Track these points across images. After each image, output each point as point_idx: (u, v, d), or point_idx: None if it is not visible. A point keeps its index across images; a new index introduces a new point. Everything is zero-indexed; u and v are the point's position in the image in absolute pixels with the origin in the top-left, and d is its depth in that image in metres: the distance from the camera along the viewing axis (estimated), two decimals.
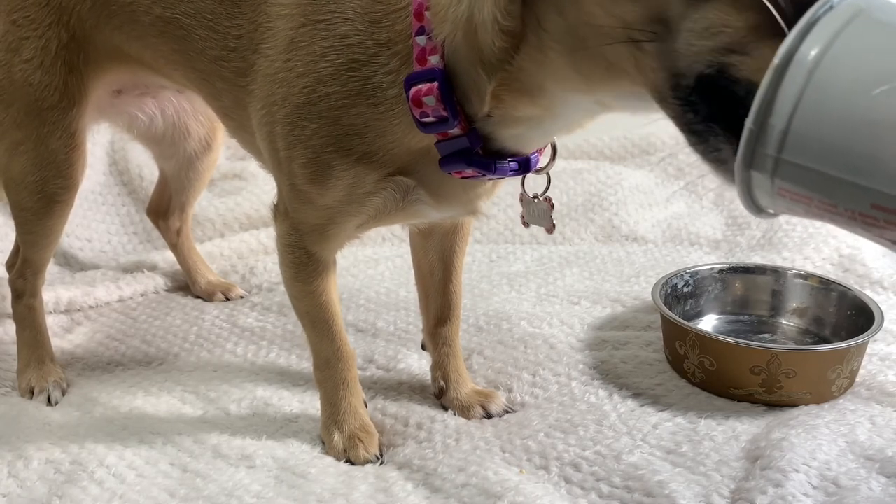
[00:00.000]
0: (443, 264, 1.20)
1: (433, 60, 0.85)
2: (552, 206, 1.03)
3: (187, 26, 1.07)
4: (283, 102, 0.95)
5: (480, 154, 0.90)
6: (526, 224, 1.07)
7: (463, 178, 0.93)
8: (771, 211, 0.65)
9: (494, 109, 0.85)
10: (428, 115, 0.86)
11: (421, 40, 0.85)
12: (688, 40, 0.66)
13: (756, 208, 0.64)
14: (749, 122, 0.59)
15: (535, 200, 1.03)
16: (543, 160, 0.99)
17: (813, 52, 0.57)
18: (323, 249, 1.05)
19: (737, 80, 0.64)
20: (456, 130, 0.87)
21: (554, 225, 1.04)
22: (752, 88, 0.61)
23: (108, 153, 2.00)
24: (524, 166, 0.94)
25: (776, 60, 0.58)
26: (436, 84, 0.84)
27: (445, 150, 0.89)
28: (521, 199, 1.04)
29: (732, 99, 0.64)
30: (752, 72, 0.63)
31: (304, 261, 1.06)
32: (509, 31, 0.79)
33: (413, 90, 0.86)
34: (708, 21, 0.65)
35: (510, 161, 0.92)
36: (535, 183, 1.03)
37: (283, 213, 1.05)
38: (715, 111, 0.66)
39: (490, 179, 0.97)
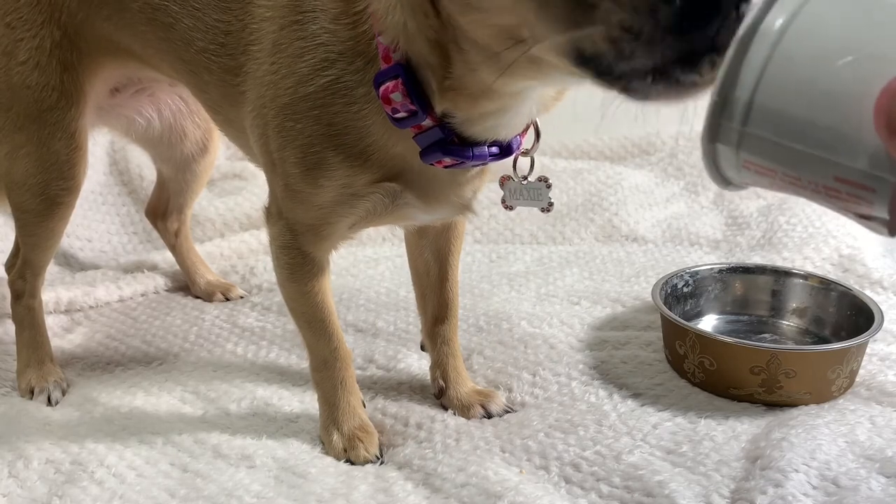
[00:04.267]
0: (438, 263, 1.21)
1: (396, 57, 0.87)
2: (549, 186, 1.03)
3: (175, 14, 1.07)
4: (272, 104, 0.97)
5: (456, 142, 0.90)
6: (509, 207, 1.07)
7: (445, 167, 0.94)
8: (737, 183, 0.64)
9: (455, 111, 0.87)
10: (399, 111, 0.88)
11: (383, 39, 0.87)
12: (542, 40, 0.68)
13: (723, 181, 0.64)
14: (714, 94, 0.59)
15: (525, 182, 1.04)
16: (527, 143, 0.99)
17: (777, 23, 0.56)
18: (317, 249, 1.05)
19: (591, 57, 0.65)
20: (428, 122, 0.88)
21: (552, 203, 1.04)
22: (601, 59, 0.63)
23: (109, 153, 2.00)
24: (505, 150, 0.94)
25: (741, 31, 0.57)
26: (400, 80, 0.86)
27: (423, 141, 0.90)
28: (502, 183, 1.05)
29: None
30: (593, 47, 0.64)
31: (299, 262, 1.06)
32: (435, 43, 0.82)
33: (382, 88, 0.87)
34: (542, 27, 0.67)
35: (490, 146, 0.92)
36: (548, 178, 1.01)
37: (276, 214, 1.06)
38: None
39: (473, 166, 0.97)
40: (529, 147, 1.00)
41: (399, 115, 0.88)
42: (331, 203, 0.98)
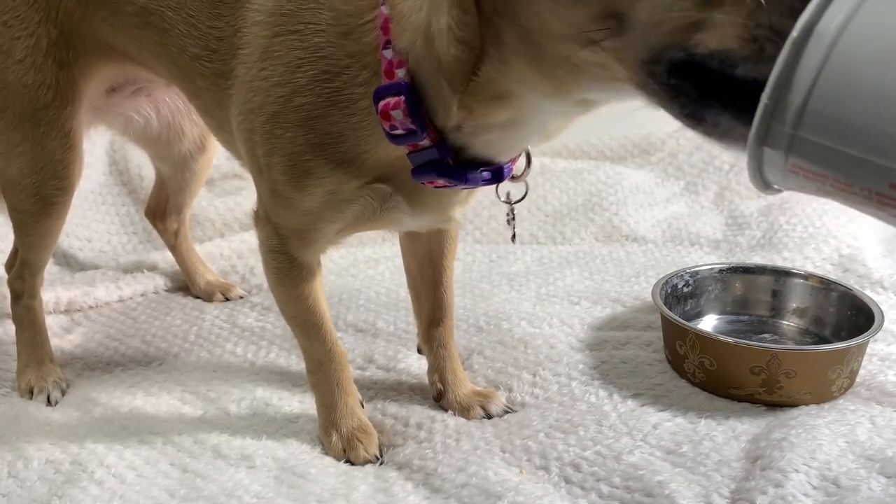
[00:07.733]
0: (432, 267, 1.20)
1: (400, 73, 0.85)
2: (512, 218, 1.05)
3: (170, 20, 1.07)
4: (260, 111, 0.96)
5: (451, 164, 0.89)
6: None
7: (436, 188, 0.93)
8: (777, 187, 0.63)
9: (466, 121, 0.85)
10: (397, 128, 0.86)
11: (388, 53, 0.86)
12: (644, 29, 0.66)
13: (764, 185, 0.62)
14: (765, 98, 0.57)
15: (512, 204, 1.05)
16: (518, 168, 0.99)
17: (834, 24, 0.54)
18: (304, 254, 1.05)
19: (705, 55, 0.63)
20: (426, 142, 0.87)
21: (514, 235, 1.08)
22: (723, 56, 0.61)
23: (108, 153, 2.00)
24: (497, 175, 0.93)
25: (795, 33, 0.55)
26: (402, 97, 0.84)
27: (417, 160, 0.89)
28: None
29: (712, 73, 0.63)
30: (717, 41, 0.62)
31: (287, 266, 1.06)
32: (465, 41, 0.79)
33: (381, 104, 0.86)
34: (656, 4, 0.64)
35: (482, 171, 0.91)
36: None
37: (263, 218, 1.05)
38: (703, 89, 0.65)
39: (463, 189, 0.96)
40: (520, 173, 0.99)
41: (397, 133, 0.87)
42: (318, 208, 0.98)
